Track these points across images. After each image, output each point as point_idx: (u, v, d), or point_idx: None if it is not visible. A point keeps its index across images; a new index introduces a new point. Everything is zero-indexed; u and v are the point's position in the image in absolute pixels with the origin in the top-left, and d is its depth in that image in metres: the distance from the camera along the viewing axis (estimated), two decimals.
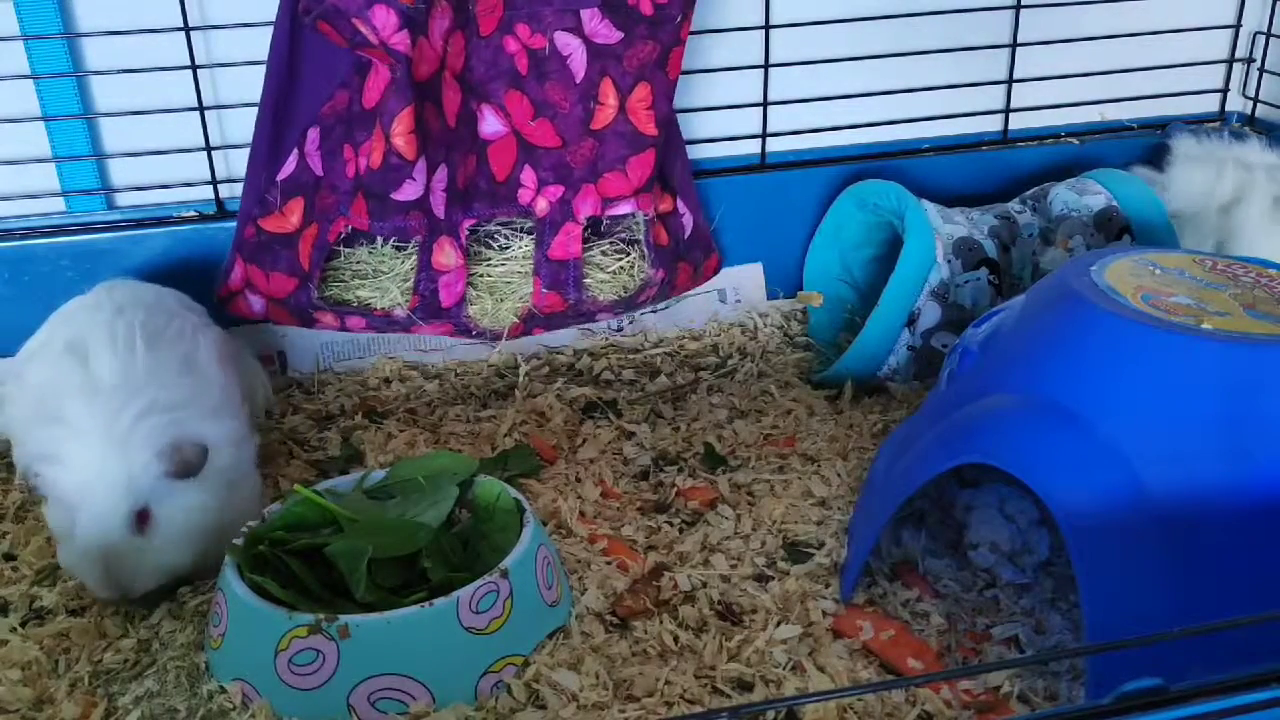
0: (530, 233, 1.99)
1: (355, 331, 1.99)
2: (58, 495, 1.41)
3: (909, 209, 2.01)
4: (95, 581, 1.41)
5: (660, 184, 2.03)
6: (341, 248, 1.90)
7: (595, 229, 2.02)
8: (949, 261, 1.98)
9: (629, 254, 2.02)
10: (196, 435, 1.46)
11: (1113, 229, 2.01)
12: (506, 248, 1.99)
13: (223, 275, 1.93)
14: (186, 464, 1.43)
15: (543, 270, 1.95)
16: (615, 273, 2.01)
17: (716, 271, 2.18)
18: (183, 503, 1.44)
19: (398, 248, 1.92)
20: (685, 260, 2.08)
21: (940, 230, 1.99)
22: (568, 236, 1.96)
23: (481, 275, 1.97)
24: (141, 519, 1.41)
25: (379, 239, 1.90)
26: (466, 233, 1.93)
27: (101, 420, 1.41)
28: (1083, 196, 2.05)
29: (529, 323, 1.98)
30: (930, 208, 2.04)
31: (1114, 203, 2.03)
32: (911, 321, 1.96)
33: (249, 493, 1.59)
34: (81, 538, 1.39)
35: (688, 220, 2.08)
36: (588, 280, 1.98)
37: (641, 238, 2.01)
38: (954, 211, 2.07)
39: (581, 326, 2.14)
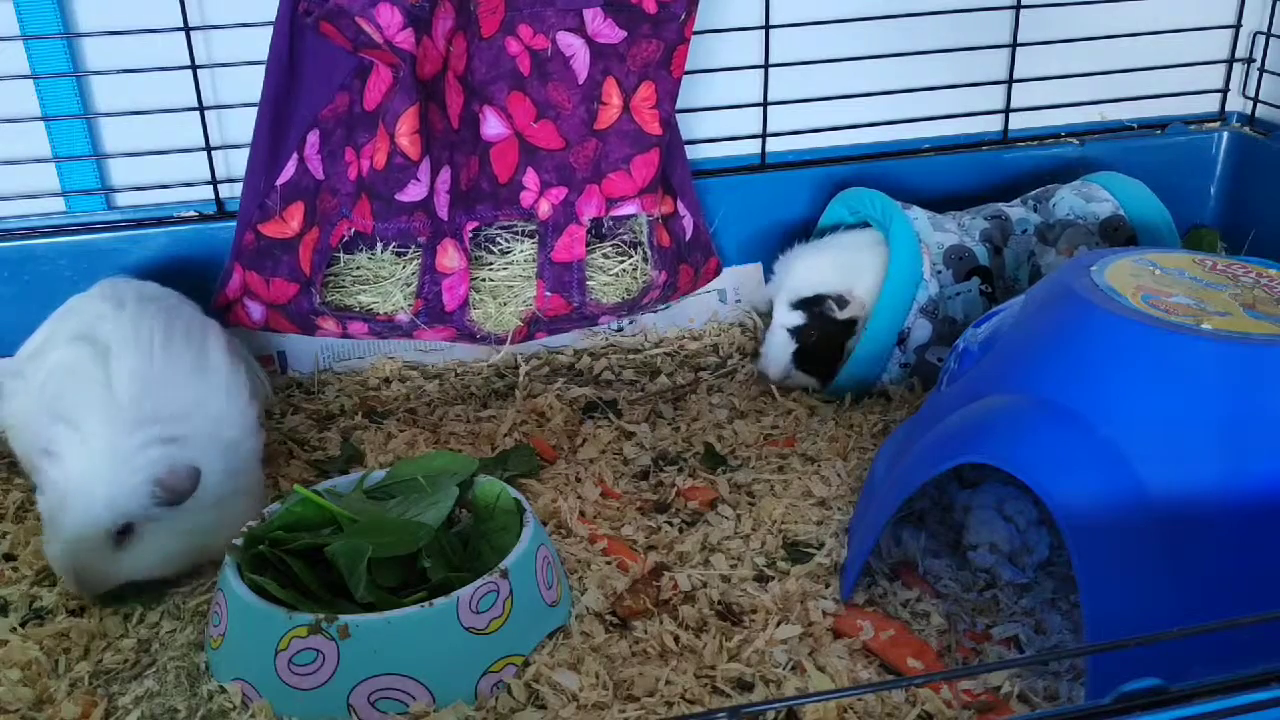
0: (531, 236, 1.98)
1: (357, 337, 1.99)
2: (50, 490, 1.46)
3: (893, 221, 1.95)
4: (63, 577, 1.46)
5: (662, 185, 2.02)
6: (341, 254, 1.90)
7: (597, 231, 2.02)
8: (938, 274, 1.94)
9: (631, 256, 2.02)
10: (196, 455, 1.49)
11: (1119, 238, 1.98)
12: (507, 251, 1.99)
13: (220, 283, 1.93)
14: (176, 493, 1.45)
15: (546, 273, 1.95)
16: (618, 275, 2.00)
17: (716, 274, 2.17)
18: (169, 526, 1.47)
19: (398, 253, 1.92)
20: (686, 262, 2.07)
21: (929, 241, 1.95)
22: (571, 239, 1.96)
23: (484, 279, 1.97)
24: (125, 532, 1.44)
25: (379, 244, 1.90)
26: (469, 235, 1.93)
27: (106, 433, 1.45)
28: (1089, 203, 2.03)
29: (532, 326, 1.97)
30: (919, 215, 1.99)
31: (1120, 211, 2.01)
32: (902, 340, 1.93)
33: (245, 505, 1.58)
34: (59, 537, 1.44)
35: (688, 222, 2.07)
36: (591, 283, 1.98)
37: (644, 239, 2.00)
38: (945, 218, 2.03)
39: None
